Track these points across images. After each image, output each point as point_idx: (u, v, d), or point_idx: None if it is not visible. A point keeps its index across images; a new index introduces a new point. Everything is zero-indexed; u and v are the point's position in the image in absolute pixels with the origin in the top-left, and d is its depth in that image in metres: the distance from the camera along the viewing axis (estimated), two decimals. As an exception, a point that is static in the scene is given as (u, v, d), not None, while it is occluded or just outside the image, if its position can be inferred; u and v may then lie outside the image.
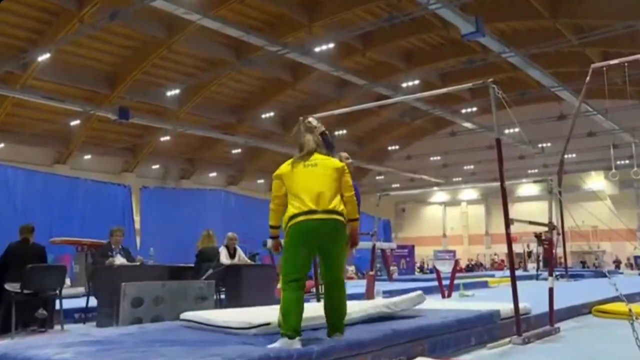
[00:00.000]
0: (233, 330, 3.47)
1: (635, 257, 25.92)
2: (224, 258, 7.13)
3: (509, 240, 4.39)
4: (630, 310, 3.77)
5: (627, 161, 22.95)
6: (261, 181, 34.27)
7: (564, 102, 23.29)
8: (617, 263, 27.25)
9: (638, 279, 12.56)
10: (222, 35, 17.35)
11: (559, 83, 20.36)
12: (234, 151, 29.91)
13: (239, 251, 7.46)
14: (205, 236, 7.28)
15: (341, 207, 3.27)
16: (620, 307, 4.40)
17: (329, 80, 24.13)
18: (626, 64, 11.20)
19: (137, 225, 13.45)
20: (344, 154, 4.56)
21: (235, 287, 6.58)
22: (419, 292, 4.57)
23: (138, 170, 29.00)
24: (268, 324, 3.41)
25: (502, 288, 11.12)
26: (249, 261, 7.61)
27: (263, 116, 25.79)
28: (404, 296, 4.51)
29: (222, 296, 6.74)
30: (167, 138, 25.75)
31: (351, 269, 19.42)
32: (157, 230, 12.70)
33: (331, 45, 17.94)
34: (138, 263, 6.63)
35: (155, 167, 30.19)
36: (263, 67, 22.77)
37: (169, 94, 21.84)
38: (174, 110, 24.71)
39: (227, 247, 7.35)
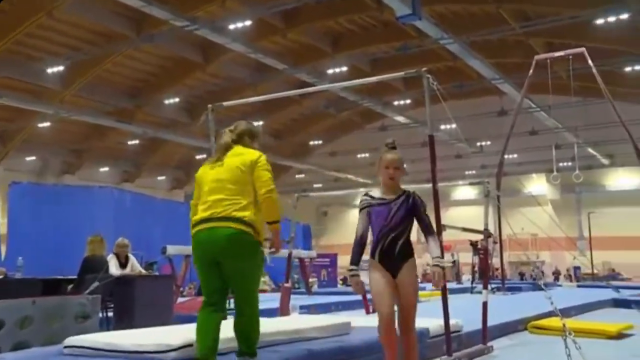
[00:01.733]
0: (148, 356, 3.32)
1: (575, 268, 27.79)
2: (114, 268, 6.99)
3: (441, 249, 4.53)
4: (564, 325, 4.01)
5: (569, 163, 24.61)
6: (162, 178, 33.39)
7: (505, 96, 24.56)
8: (557, 274, 29.14)
9: (576, 292, 13.47)
10: (119, 4, 16.67)
11: (501, 75, 21.44)
12: (131, 142, 29.01)
13: (132, 260, 7.29)
14: (94, 242, 6.97)
15: (246, 213, 3.15)
16: (556, 322, 4.70)
17: (245, 63, 23.96)
18: (570, 57, 12.03)
19: (3, 230, 12.67)
20: None
21: (126, 302, 6.39)
22: (347, 321, 4.67)
23: (7, 162, 27.43)
24: (190, 345, 3.31)
25: (433, 302, 11.46)
26: (144, 272, 7.47)
27: (166, 102, 25.33)
28: (328, 320, 4.55)
29: (110, 314, 6.53)
30: (47, 124, 24.56)
31: (264, 279, 19.42)
32: (30, 235, 12.08)
33: (248, 23, 17.81)
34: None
35: (30, 158, 28.85)
36: (168, 45, 22.19)
37: (50, 71, 20.77)
38: (56, 91, 23.50)
39: (116, 255, 7.19)
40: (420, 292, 14.55)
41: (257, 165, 3.28)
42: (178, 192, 34.09)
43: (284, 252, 11.58)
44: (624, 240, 28.35)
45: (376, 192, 3.51)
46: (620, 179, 31.03)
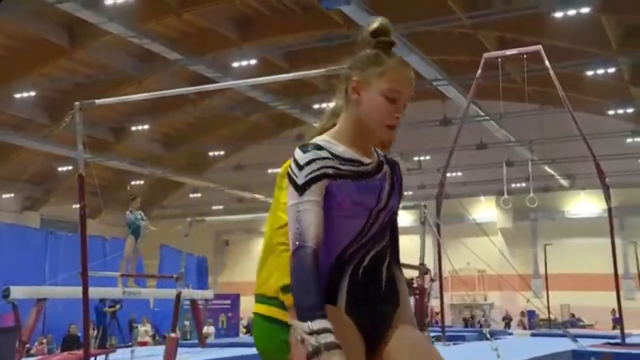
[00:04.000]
0: None
1: (529, 313, 28.77)
2: None
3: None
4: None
5: (523, 184, 25.62)
6: (9, 195, 31.92)
7: (449, 101, 25.31)
8: (508, 320, 30.11)
9: (530, 342, 13.93)
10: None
11: (444, 75, 22.09)
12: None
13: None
14: None
15: (270, 281, 2.75)
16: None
17: (126, 49, 23.45)
18: (525, 56, 12.60)
19: None
20: None
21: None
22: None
23: None
24: None
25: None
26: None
27: (17, 96, 24.47)
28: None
29: None
30: None
31: (145, 329, 18.97)
32: None
33: (130, -3, 17.55)
34: None
35: None
36: (20, 20, 21.36)
37: None
38: None
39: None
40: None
41: (281, 186, 2.79)
42: (32, 214, 32.71)
43: (170, 292, 11.38)
44: (585, 279, 29.66)
45: (336, 146, 2.22)
46: (581, 204, 32.52)
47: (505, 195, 19.55)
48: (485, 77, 13.12)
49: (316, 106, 27.68)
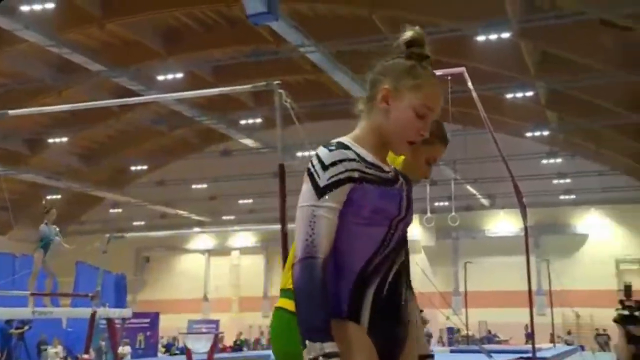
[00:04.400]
0: None
1: (448, 330, 29.26)
2: None
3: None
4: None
5: (446, 203, 26.05)
6: None
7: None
8: (428, 337, 30.51)
9: (449, 358, 14.07)
10: None
11: (370, 95, 22.32)
12: None
13: None
14: None
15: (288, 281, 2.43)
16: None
17: (45, 58, 22.70)
18: (449, 77, 12.77)
19: None
20: None
21: None
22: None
23: None
24: None
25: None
26: None
27: None
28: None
29: None
30: None
31: (55, 350, 18.19)
32: None
33: (50, 5, 17.02)
34: None
35: None
36: None
37: None
38: None
39: None
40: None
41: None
42: None
43: (85, 312, 10.93)
44: (502, 296, 30.39)
45: (360, 148, 2.07)
46: (500, 223, 33.41)
47: (429, 214, 19.76)
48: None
49: (243, 122, 27.52)
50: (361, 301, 1.99)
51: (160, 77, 21.67)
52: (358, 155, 2.02)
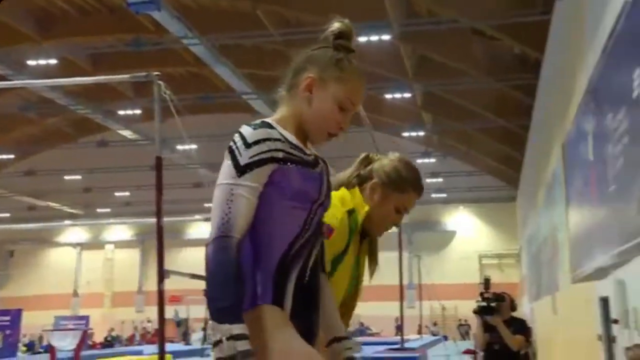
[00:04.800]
0: None
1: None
2: None
3: (161, 301, 4.47)
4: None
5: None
6: None
7: (258, 115, 25.64)
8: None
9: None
10: None
11: (254, 89, 22.38)
12: None
13: None
14: None
15: None
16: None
17: None
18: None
19: None
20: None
21: None
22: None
23: None
24: None
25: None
26: None
27: None
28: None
29: None
30: None
31: None
32: None
33: None
34: None
35: None
36: None
37: None
38: None
39: None
40: (135, 358, 14.17)
41: None
42: None
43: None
44: (374, 290, 31.26)
45: (284, 132, 2.01)
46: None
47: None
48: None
49: (121, 112, 26.79)
50: (284, 287, 1.90)
51: (32, 62, 20.74)
52: (282, 135, 1.96)
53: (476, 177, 31.41)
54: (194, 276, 5.67)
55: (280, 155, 1.92)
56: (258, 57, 24.01)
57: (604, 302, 7.67)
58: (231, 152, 1.93)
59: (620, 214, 6.29)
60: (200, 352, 14.39)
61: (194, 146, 25.33)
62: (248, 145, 1.90)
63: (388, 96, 24.20)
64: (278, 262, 1.90)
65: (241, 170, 1.88)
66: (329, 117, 2.04)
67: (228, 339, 1.71)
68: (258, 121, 2.02)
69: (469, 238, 34.24)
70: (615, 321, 6.90)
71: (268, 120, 2.03)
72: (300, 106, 2.06)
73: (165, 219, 4.85)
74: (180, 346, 20.02)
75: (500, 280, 27.43)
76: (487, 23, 16.25)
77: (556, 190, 12.20)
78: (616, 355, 6.84)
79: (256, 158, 1.88)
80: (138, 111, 26.82)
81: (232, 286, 1.77)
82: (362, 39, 19.24)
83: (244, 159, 1.89)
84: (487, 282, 6.50)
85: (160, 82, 4.62)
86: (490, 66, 18.65)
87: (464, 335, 28.16)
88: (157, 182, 4.62)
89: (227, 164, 1.92)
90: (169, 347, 18.93)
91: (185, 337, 24.06)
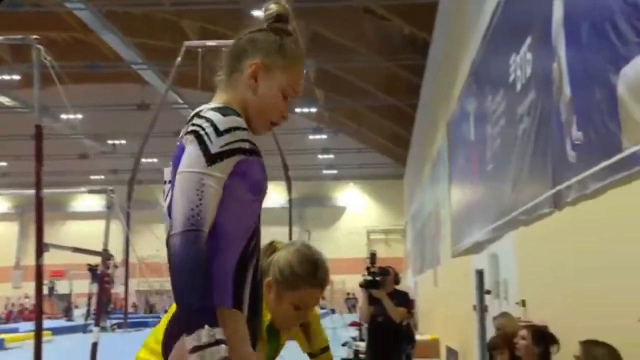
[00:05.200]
0: None
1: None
2: None
3: (39, 276, 4.37)
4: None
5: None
6: None
7: (148, 86, 25.04)
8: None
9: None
10: None
11: (144, 59, 21.79)
12: None
13: None
14: None
15: None
16: None
17: None
18: (224, 49, 12.99)
19: None
20: None
21: None
22: None
23: None
24: None
25: (27, 348, 11.01)
26: None
27: None
28: None
29: None
30: None
31: None
32: None
33: None
34: None
35: None
36: None
37: None
38: None
39: None
40: (8, 335, 13.71)
41: None
42: None
43: None
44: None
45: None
46: (269, 195, 34.45)
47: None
48: (186, 66, 13.20)
49: (-1, 77, 25.47)
50: (243, 288, 1.78)
51: None
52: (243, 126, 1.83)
53: (366, 154, 32.01)
54: (77, 250, 5.54)
55: (246, 145, 1.79)
56: (148, 26, 23.39)
57: (479, 274, 8.11)
58: (198, 137, 1.76)
59: (496, 192, 6.66)
60: (82, 328, 14.02)
61: (79, 116, 24.46)
62: (219, 133, 1.75)
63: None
64: (238, 259, 1.77)
65: (211, 159, 1.73)
66: (274, 107, 1.94)
67: (212, 344, 1.57)
68: (220, 105, 1.85)
69: (358, 214, 34.95)
70: (488, 292, 7.32)
71: (225, 105, 1.87)
72: (245, 93, 1.93)
73: (47, 191, 4.71)
74: (61, 322, 19.50)
75: (387, 255, 28.28)
76: (378, 3, 16.50)
77: (440, 168, 12.69)
78: (488, 324, 7.26)
79: (227, 147, 1.75)
80: (17, 77, 25.55)
81: (206, 284, 1.64)
82: (257, 13, 19.14)
83: (214, 147, 1.74)
84: (373, 257, 6.68)
85: (39, 46, 4.43)
86: (381, 45, 18.98)
87: (351, 309, 28.89)
88: (37, 152, 4.47)
89: (194, 150, 1.75)
90: (48, 323, 18.49)
91: (68, 313, 23.36)
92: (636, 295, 3.19)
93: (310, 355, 2.61)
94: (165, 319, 2.12)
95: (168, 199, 1.80)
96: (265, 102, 1.92)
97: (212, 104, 1.85)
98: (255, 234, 1.83)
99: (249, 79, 1.92)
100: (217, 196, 1.72)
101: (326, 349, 2.66)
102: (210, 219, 1.70)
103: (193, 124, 1.78)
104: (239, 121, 1.79)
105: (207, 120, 1.77)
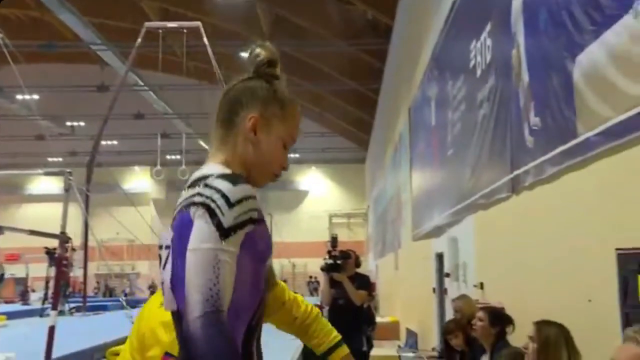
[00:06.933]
0: None
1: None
2: None
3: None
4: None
5: (178, 156, 26.16)
6: None
7: (108, 68, 24.66)
8: (153, 289, 30.61)
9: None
10: None
11: (103, 40, 21.44)
12: None
13: None
14: None
15: None
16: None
17: None
18: (185, 31, 12.87)
19: None
20: None
21: None
22: None
23: None
24: None
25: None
26: None
27: None
28: None
29: None
30: None
31: None
32: None
33: None
34: None
35: None
36: None
37: None
38: None
39: None
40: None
41: None
42: None
43: None
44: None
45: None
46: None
47: (158, 167, 19.67)
48: (146, 47, 13.04)
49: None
50: (252, 356, 1.72)
51: None
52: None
53: (328, 138, 32.05)
54: (33, 232, 5.46)
55: (255, 215, 1.69)
56: (108, 6, 23.04)
57: (439, 257, 8.23)
58: (209, 209, 1.65)
59: (456, 176, 6.74)
60: (39, 312, 13.86)
61: (35, 96, 24.00)
62: (231, 205, 1.64)
63: (244, 55, 24.00)
64: (245, 331, 1.69)
65: (225, 233, 1.63)
66: (276, 159, 1.87)
67: None
68: (228, 172, 1.75)
69: (320, 198, 35.05)
70: (447, 275, 7.43)
71: (230, 169, 1.77)
72: (244, 148, 1.83)
73: (2, 172, 4.64)
74: (17, 306, 19.23)
75: (349, 238, 28.47)
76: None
77: (402, 153, 12.78)
78: (447, 306, 7.37)
79: (240, 220, 1.64)
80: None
81: None
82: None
83: (227, 220, 1.63)
84: (334, 240, 6.71)
85: (-4, 26, 4.33)
86: (344, 30, 18.98)
87: (313, 292, 29.04)
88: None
89: (204, 225, 1.64)
90: (3, 307, 18.20)
91: (24, 297, 23.03)
92: (587, 277, 3.29)
93: (325, 354, 2.46)
94: (147, 310, 2.21)
95: (168, 267, 1.70)
96: (267, 155, 1.84)
97: (216, 169, 1.75)
98: (262, 302, 1.74)
99: (249, 133, 1.82)
100: (233, 272, 1.63)
101: (339, 343, 2.46)
102: (228, 297, 1.61)
103: (200, 195, 1.67)
104: (248, 190, 1.69)
105: (218, 191, 1.66)
